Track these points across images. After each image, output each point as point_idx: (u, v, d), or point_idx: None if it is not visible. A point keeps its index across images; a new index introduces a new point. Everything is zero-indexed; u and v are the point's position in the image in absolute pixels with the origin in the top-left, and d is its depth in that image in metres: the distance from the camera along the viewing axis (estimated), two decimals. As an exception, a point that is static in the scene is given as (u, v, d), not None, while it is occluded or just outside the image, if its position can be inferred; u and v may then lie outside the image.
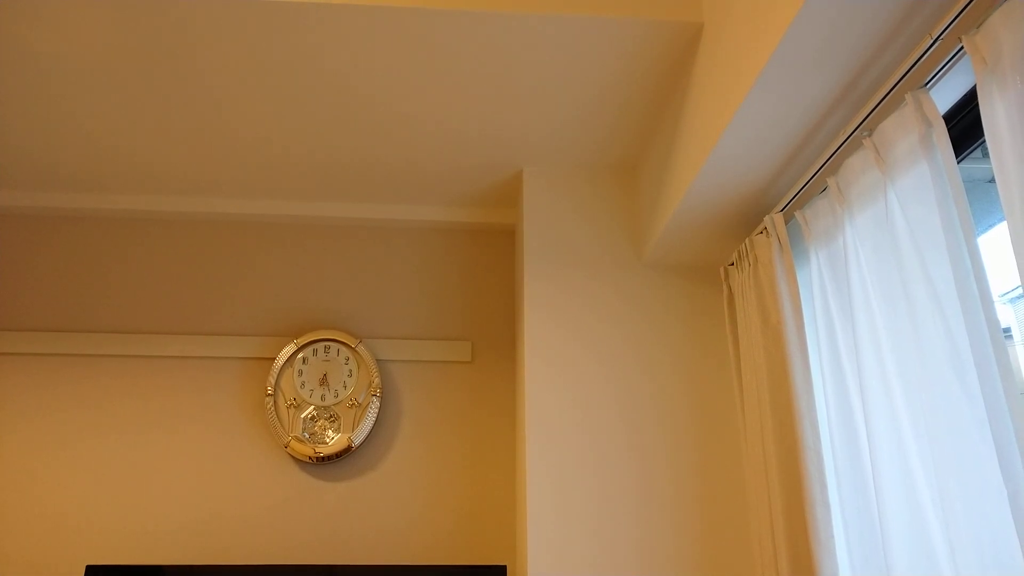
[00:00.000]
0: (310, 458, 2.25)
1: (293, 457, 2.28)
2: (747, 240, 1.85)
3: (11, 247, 2.48)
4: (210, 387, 2.35)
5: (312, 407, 2.31)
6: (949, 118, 1.33)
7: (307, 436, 2.27)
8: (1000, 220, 1.39)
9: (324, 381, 2.34)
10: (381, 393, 2.34)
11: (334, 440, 2.27)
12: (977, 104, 1.08)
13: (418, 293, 2.52)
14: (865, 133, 1.37)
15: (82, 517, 2.20)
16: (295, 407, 2.31)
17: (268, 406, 2.29)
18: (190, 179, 2.37)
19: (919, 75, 1.22)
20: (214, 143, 2.16)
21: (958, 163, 1.30)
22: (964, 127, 1.32)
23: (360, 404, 2.32)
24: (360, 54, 1.76)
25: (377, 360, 2.39)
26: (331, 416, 2.31)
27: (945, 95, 1.29)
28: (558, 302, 2.11)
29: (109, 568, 2.00)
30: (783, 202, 1.71)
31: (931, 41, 1.16)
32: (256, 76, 1.84)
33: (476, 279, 2.55)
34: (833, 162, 1.51)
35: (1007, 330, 1.44)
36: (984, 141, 1.28)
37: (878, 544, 1.37)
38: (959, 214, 1.12)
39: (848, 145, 1.45)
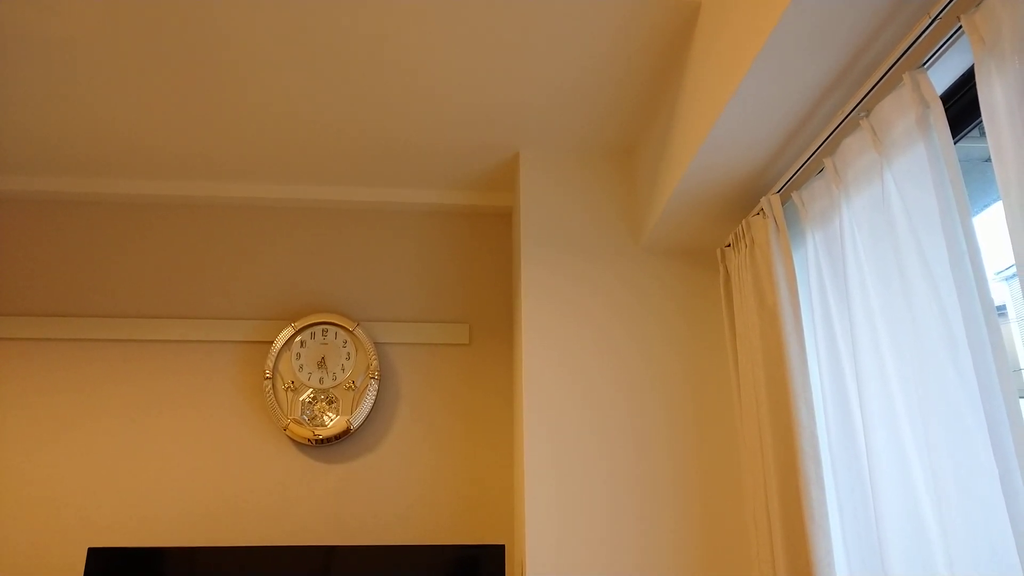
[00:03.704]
0: (309, 440, 2.26)
1: (292, 440, 2.30)
2: (744, 222, 1.85)
3: (10, 232, 2.47)
4: (209, 371, 2.36)
5: (310, 390, 2.32)
6: (946, 98, 1.32)
7: (306, 419, 2.29)
8: (998, 199, 1.39)
9: (322, 364, 2.35)
10: (379, 376, 2.35)
11: (333, 422, 2.28)
12: (974, 84, 1.08)
13: (416, 276, 2.52)
14: (862, 114, 1.37)
15: (84, 501, 2.21)
16: (293, 390, 2.32)
17: (267, 389, 2.30)
18: (188, 163, 2.35)
19: (917, 55, 1.21)
20: (211, 128, 2.14)
21: (955, 143, 1.30)
22: (961, 107, 1.31)
23: (358, 387, 2.33)
24: (355, 35, 1.74)
25: (375, 343, 2.39)
26: (329, 399, 2.32)
27: (942, 75, 1.28)
28: (555, 285, 2.11)
29: (111, 551, 2.02)
30: (780, 183, 1.70)
31: (929, 20, 1.15)
32: (252, 62, 1.83)
33: (473, 262, 2.55)
34: (830, 143, 1.50)
35: (1002, 308, 1.44)
36: (981, 121, 1.28)
37: (871, 522, 1.39)
38: (955, 195, 1.12)
39: (845, 126, 1.44)
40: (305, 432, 2.26)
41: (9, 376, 2.32)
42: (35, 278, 2.43)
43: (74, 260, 2.45)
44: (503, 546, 2.03)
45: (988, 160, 1.45)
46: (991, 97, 1.03)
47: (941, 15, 1.13)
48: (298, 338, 2.37)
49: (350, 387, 2.33)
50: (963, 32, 1.10)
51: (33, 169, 2.39)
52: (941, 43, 1.16)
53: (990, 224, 1.38)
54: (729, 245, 1.98)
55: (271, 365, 2.33)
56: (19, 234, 2.47)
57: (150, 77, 1.91)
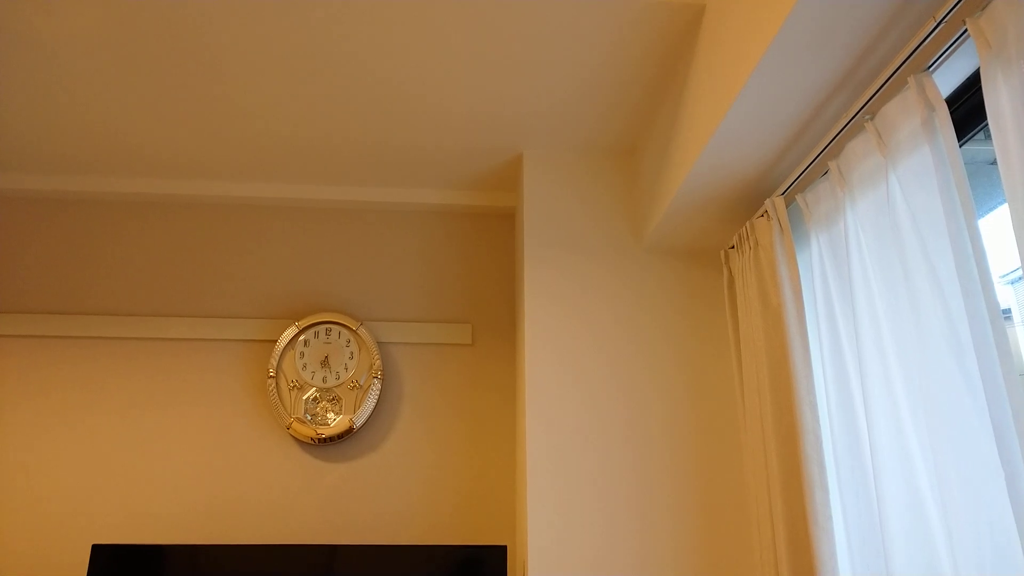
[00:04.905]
0: (312, 439, 2.26)
1: (295, 438, 2.30)
2: (748, 223, 1.85)
3: (12, 230, 2.47)
4: (213, 369, 2.37)
5: (314, 389, 2.32)
6: (951, 102, 1.32)
7: (309, 418, 2.29)
8: (1004, 202, 1.39)
9: (325, 363, 2.35)
10: (382, 375, 2.35)
11: (336, 422, 2.29)
12: (980, 88, 1.07)
13: (419, 276, 2.52)
14: (867, 117, 1.37)
15: (87, 498, 2.22)
16: (297, 389, 2.32)
17: (270, 388, 2.30)
18: (191, 162, 2.36)
19: (922, 58, 1.21)
20: (214, 126, 2.15)
21: (960, 146, 1.30)
22: (967, 110, 1.31)
23: (361, 386, 2.33)
24: (360, 36, 1.74)
25: (378, 342, 2.40)
26: (333, 398, 2.32)
27: (948, 79, 1.28)
28: (558, 286, 2.11)
29: (115, 548, 2.02)
30: (784, 185, 1.70)
31: (935, 24, 1.15)
32: (256, 60, 1.83)
33: (476, 262, 2.55)
34: (835, 146, 1.50)
35: (1007, 311, 1.43)
36: (987, 124, 1.28)
37: (876, 526, 1.39)
38: (960, 199, 1.12)
39: (850, 128, 1.44)
40: (308, 431, 2.26)
41: (12, 373, 2.33)
42: (36, 276, 2.43)
43: (76, 258, 2.46)
44: (505, 547, 2.03)
45: (994, 163, 1.44)
46: (997, 100, 1.03)
47: (947, 18, 1.12)
48: (302, 337, 2.38)
49: (353, 386, 2.33)
50: (968, 35, 1.10)
51: (32, 168, 2.39)
52: (946, 46, 1.16)
53: (996, 227, 1.37)
54: (733, 247, 1.98)
55: (275, 364, 2.33)
56: (23, 232, 2.48)
57: (151, 77, 1.91)
